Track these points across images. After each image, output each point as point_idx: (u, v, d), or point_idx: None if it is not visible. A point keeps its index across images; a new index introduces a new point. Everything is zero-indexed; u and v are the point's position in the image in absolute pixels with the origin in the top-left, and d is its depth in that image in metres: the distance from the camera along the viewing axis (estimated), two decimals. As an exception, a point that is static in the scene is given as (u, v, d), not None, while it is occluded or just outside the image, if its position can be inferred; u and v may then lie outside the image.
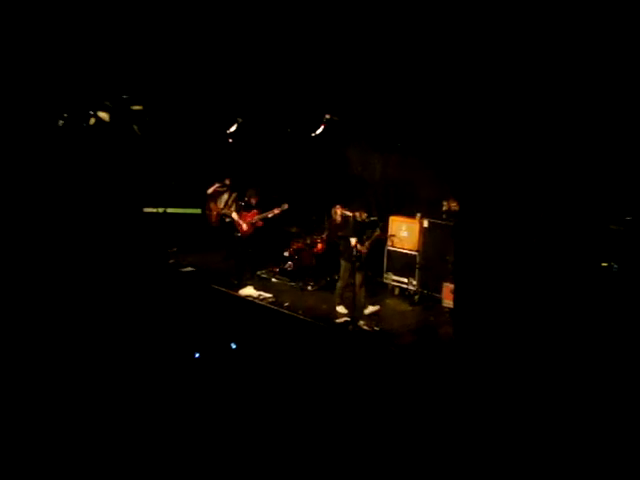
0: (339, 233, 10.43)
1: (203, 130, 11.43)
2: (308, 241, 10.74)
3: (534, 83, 5.16)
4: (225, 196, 11.63)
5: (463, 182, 6.05)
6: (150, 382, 5.70)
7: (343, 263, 8.80)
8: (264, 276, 10.83)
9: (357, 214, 8.93)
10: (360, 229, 8.84)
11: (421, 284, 9.79)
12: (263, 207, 10.65)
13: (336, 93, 8.01)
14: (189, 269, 10.84)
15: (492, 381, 5.46)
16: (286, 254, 10.85)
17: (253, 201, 10.62)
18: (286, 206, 10.38)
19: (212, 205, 11.73)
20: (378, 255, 10.19)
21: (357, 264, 8.60)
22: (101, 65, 7.69)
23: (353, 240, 8.66)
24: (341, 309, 8.78)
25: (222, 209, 11.57)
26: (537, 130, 5.24)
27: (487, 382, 5.49)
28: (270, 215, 10.47)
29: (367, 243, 8.83)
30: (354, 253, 8.59)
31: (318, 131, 9.62)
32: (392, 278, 10.18)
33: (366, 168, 10.28)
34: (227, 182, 11.60)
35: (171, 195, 11.76)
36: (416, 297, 9.76)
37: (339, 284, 8.87)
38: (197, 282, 10.09)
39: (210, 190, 11.59)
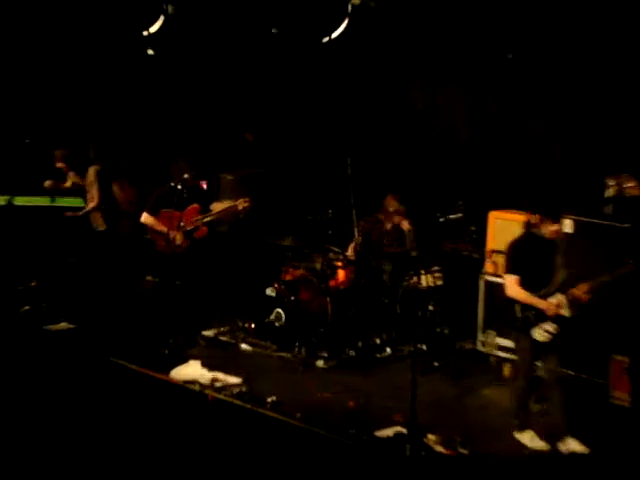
0: (389, 248, 10.56)
1: (93, 27, 11.70)
2: (317, 265, 10.87)
3: None
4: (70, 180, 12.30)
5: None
6: None
7: (515, 336, 8.71)
8: (224, 339, 11.01)
9: (555, 226, 8.33)
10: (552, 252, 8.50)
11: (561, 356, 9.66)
12: (208, 197, 11.01)
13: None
14: (64, 326, 11.06)
15: None
16: (271, 293, 10.87)
17: (187, 183, 10.60)
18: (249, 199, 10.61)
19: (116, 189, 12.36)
20: (463, 296, 10.46)
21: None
22: None
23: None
24: (528, 438, 8.53)
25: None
26: None
27: None
28: (222, 213, 10.71)
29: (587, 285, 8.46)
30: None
31: (336, 33, 9.84)
32: (496, 343, 10.25)
33: (441, 113, 10.50)
34: (58, 154, 12.19)
35: (23, 172, 12.21)
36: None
37: (519, 383, 8.83)
38: (81, 353, 10.18)
39: (59, 165, 12.24)
